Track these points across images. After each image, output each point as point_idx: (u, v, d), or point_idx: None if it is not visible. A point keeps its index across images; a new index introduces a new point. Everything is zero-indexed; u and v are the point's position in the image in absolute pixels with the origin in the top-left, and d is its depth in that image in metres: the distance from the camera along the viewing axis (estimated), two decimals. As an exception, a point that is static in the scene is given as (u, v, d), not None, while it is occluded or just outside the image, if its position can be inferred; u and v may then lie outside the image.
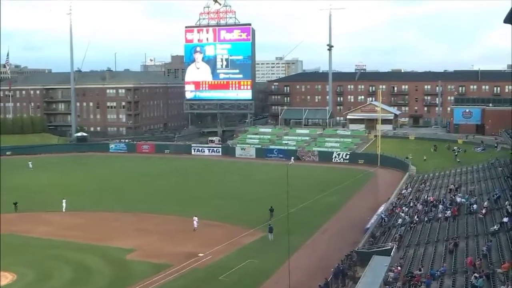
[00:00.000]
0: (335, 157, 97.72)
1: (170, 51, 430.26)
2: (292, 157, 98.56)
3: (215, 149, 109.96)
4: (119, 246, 46.59)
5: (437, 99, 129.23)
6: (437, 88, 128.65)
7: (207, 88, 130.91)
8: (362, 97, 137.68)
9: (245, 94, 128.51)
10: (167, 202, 64.55)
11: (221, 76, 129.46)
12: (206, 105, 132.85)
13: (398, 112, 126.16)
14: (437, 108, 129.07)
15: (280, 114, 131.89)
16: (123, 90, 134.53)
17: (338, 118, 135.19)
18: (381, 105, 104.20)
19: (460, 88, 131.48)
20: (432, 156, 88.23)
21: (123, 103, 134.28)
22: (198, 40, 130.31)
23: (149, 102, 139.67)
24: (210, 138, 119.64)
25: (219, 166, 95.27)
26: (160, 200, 65.70)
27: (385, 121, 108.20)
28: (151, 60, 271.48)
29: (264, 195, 67.80)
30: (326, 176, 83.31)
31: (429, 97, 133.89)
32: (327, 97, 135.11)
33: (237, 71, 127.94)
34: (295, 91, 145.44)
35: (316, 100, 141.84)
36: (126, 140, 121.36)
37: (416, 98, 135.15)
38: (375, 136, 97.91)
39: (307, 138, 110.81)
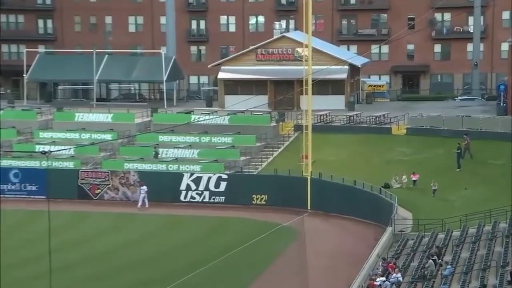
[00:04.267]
0: (189, 188, 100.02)
1: None
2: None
3: None
4: None
5: (471, 21, 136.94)
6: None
7: None
8: (261, 19, 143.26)
9: None
10: None
11: None
12: None
13: (361, 63, 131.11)
14: (471, 47, 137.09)
15: (27, 71, 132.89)
16: None
17: (178, 82, 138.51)
18: (314, 40, 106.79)
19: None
20: (458, 179, 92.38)
21: None
22: None
23: None
24: None
25: None
26: None
27: (326, 87, 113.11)
28: None
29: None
30: (164, 243, 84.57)
31: (447, 17, 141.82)
32: (162, 22, 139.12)
33: None
34: (68, 5, 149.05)
35: (131, 30, 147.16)
36: None
37: (410, 18, 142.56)
38: (296, 128, 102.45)
39: (109, 136, 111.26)
